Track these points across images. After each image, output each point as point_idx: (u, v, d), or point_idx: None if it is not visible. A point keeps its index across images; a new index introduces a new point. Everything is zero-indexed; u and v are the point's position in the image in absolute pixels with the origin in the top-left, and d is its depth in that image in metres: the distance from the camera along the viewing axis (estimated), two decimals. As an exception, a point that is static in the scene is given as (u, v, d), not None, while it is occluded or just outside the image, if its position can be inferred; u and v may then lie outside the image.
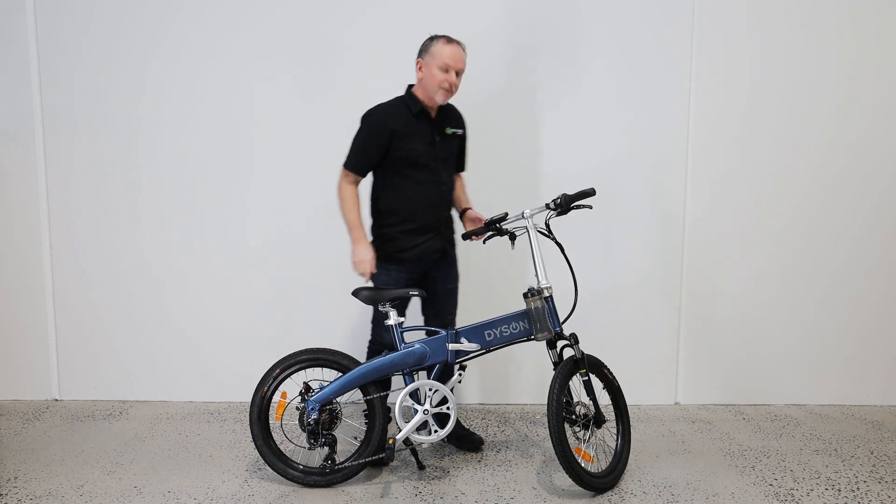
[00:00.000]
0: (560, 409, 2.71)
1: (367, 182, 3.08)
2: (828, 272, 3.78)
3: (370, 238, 3.05)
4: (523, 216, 2.90)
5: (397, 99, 3.02)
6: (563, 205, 2.82)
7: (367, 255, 2.95)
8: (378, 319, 3.09)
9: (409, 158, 2.95)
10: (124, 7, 3.67)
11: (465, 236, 3.04)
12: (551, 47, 3.66)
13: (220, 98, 3.71)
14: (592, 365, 2.89)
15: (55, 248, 3.81)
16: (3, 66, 3.71)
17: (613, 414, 2.98)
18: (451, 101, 3.07)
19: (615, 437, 2.97)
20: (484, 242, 3.08)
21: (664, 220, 3.74)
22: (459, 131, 3.12)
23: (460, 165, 3.24)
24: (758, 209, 3.74)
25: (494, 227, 2.92)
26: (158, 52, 3.69)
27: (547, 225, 2.89)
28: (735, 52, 3.66)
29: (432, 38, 2.93)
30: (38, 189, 3.78)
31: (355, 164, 2.99)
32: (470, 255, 3.74)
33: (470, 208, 3.17)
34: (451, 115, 3.09)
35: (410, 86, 3.02)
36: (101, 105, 3.72)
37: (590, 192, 2.83)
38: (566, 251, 2.88)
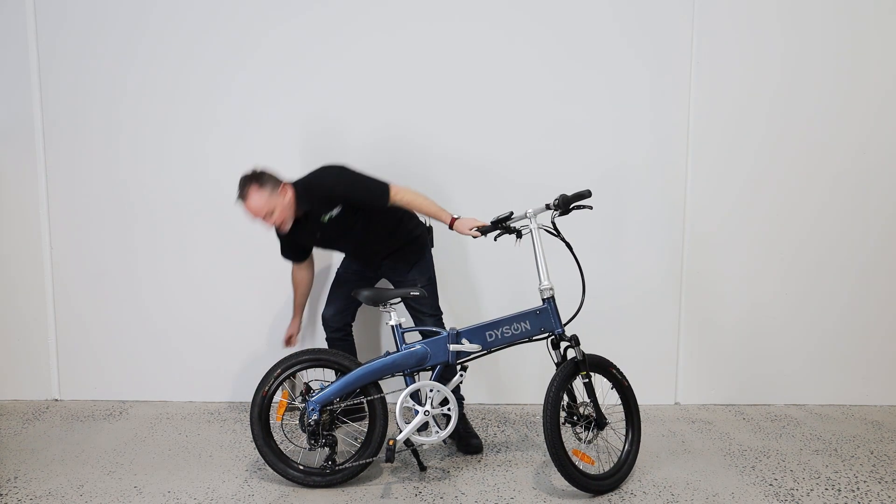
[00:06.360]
0: (556, 411, 2.71)
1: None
2: (828, 271, 3.78)
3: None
4: (526, 216, 2.90)
5: None
6: (562, 205, 2.83)
7: None
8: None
9: (312, 245, 3.21)
10: (128, 6, 3.66)
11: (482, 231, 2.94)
12: (550, 46, 3.66)
13: (220, 98, 3.70)
14: (598, 365, 2.87)
15: (55, 248, 3.81)
16: (2, 66, 3.70)
17: (624, 415, 2.95)
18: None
19: (623, 439, 2.95)
20: (495, 240, 3.03)
21: (664, 219, 3.74)
22: (335, 211, 2.96)
23: (382, 204, 2.96)
24: (758, 209, 3.74)
25: (501, 225, 2.92)
26: (163, 52, 3.68)
27: (553, 224, 2.87)
28: (735, 52, 3.65)
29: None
30: (38, 189, 3.77)
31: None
32: (472, 257, 3.75)
33: (456, 218, 2.97)
34: (315, 206, 2.96)
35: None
36: (101, 105, 3.72)
37: (586, 194, 2.84)
38: (574, 250, 2.86)
